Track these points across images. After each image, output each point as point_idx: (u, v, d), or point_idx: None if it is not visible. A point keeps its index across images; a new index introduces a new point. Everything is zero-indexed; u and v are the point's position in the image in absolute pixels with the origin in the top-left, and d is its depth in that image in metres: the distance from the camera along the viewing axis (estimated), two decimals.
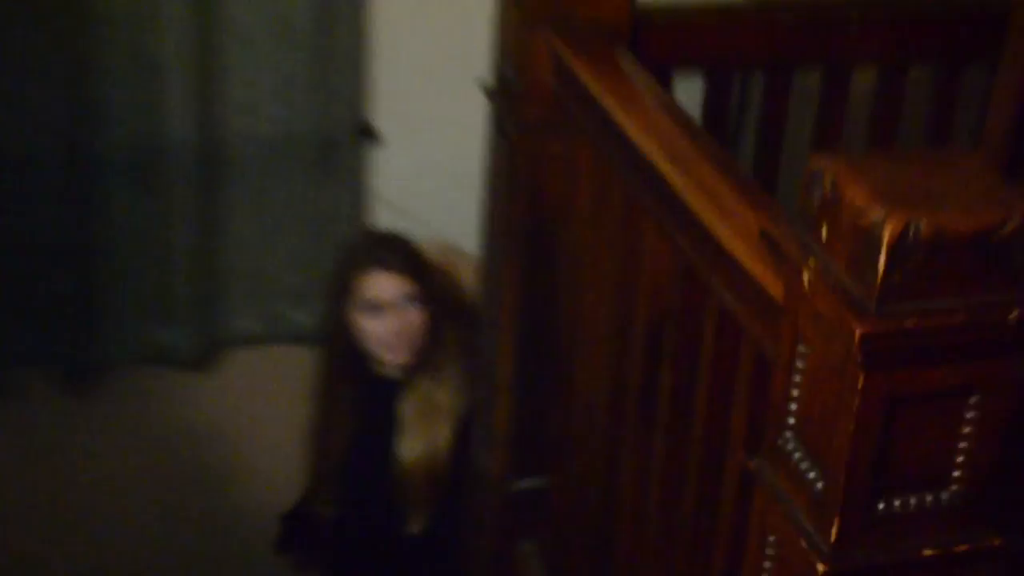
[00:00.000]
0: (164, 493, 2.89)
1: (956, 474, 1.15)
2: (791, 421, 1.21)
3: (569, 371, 1.89)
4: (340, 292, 2.44)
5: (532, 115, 1.81)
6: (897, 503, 1.15)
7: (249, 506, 2.91)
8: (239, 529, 2.91)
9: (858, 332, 1.08)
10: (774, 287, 1.27)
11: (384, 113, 2.64)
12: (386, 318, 2.40)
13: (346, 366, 2.49)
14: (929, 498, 1.16)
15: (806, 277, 1.15)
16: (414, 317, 2.41)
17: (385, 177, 2.72)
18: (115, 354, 2.75)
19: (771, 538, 1.25)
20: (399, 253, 2.43)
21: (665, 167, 1.50)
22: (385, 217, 2.73)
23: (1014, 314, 1.08)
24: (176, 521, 2.90)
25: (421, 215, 2.71)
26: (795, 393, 1.20)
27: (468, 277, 2.54)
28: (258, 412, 2.91)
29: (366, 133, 2.64)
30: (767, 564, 1.26)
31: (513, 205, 1.88)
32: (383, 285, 2.39)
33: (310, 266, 2.74)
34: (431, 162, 2.69)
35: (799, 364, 1.19)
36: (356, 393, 2.51)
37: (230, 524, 2.92)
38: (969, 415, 1.13)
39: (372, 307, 2.40)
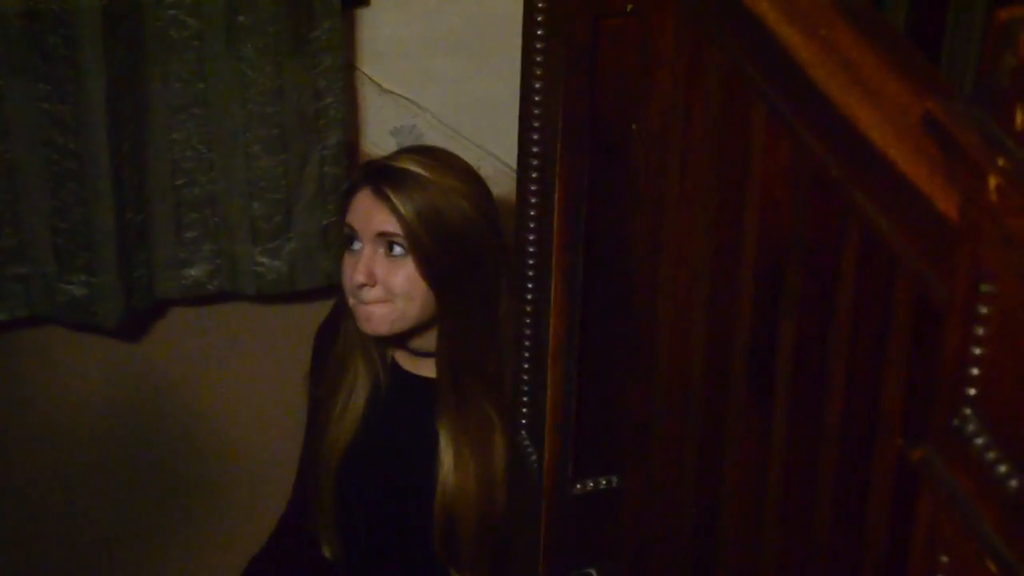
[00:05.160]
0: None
1: None
2: (971, 392, 1.22)
3: (647, 326, 1.90)
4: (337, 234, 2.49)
5: None
6: None
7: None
8: None
9: None
10: (944, 199, 1.27)
11: None
12: (359, 255, 2.41)
13: (356, 342, 2.48)
14: None
15: (992, 183, 1.15)
16: (399, 273, 2.39)
17: (376, 55, 2.71)
18: (6, 311, 2.77)
19: (943, 559, 1.26)
20: (397, 179, 2.39)
21: (783, 29, 1.49)
22: (391, 115, 2.72)
23: None
24: None
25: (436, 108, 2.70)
26: (977, 352, 1.20)
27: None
28: (204, 394, 2.93)
29: None
30: None
31: (558, 92, 1.87)
32: (361, 209, 2.40)
33: (280, 186, 2.74)
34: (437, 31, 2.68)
35: (982, 310, 1.19)
36: (374, 390, 2.50)
37: None
38: None
39: (347, 236, 2.43)
